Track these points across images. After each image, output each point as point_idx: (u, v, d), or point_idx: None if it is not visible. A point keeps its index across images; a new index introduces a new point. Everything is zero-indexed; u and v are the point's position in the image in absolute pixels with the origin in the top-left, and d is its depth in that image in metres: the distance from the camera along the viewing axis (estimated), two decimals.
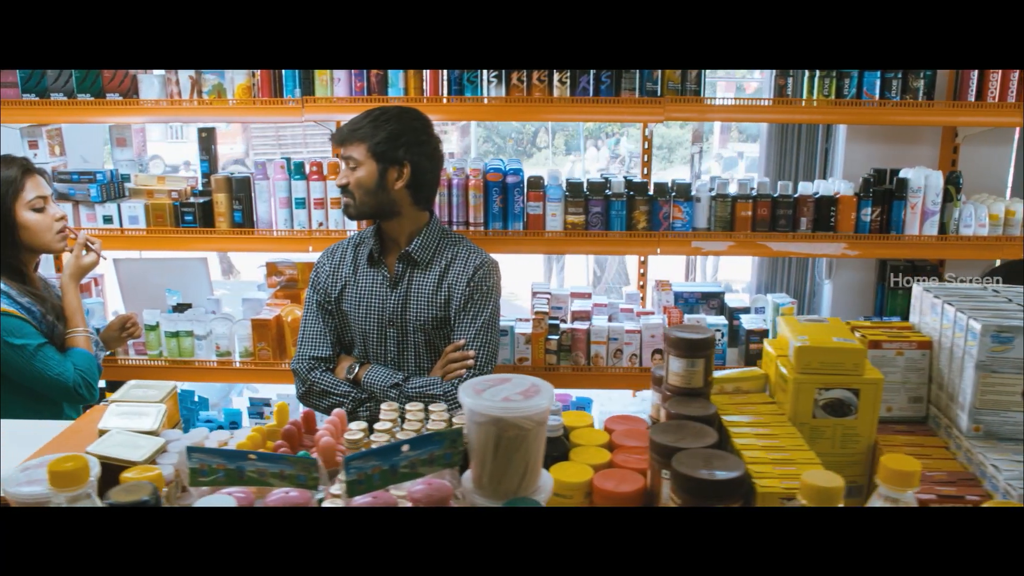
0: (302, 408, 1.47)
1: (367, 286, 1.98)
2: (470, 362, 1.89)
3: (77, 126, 2.85)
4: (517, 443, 0.87)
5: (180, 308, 2.68)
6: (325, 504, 0.98)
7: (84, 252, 2.04)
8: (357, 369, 1.95)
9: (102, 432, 1.17)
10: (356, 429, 1.22)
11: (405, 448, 0.88)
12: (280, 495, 0.90)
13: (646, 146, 2.71)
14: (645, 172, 2.73)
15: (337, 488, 0.99)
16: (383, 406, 1.28)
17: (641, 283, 2.86)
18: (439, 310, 1.93)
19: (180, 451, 1.15)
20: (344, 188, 1.94)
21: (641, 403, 2.90)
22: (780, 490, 0.99)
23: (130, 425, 1.18)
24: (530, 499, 0.88)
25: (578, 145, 14.65)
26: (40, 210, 1.90)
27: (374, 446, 0.98)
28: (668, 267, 7.16)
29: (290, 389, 2.89)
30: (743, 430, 1.14)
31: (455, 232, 2.04)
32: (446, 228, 2.03)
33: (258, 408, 2.91)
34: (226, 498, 0.84)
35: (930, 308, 1.29)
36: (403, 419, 1.24)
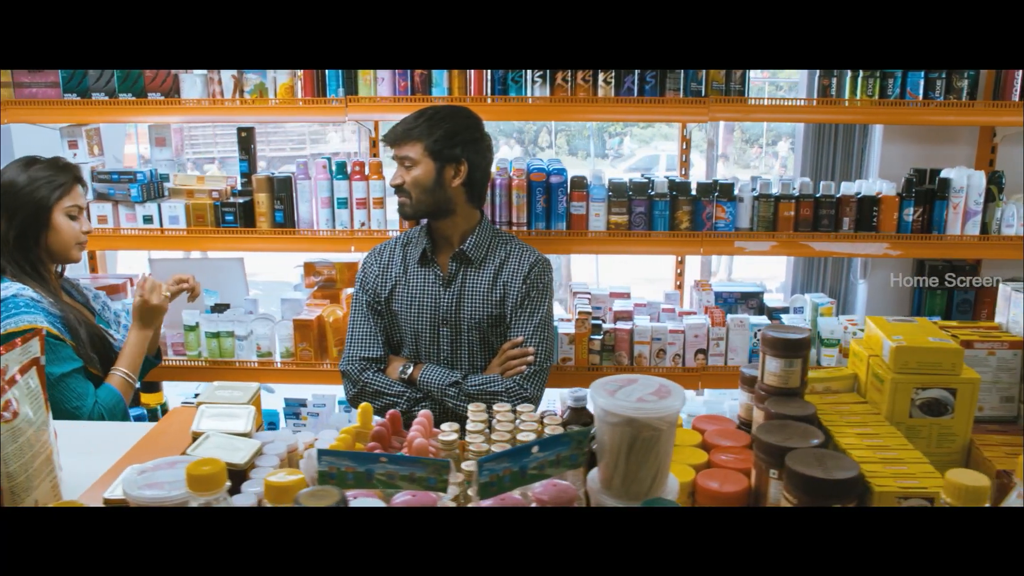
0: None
1: (419, 285, 1.98)
2: (530, 359, 1.91)
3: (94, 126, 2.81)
4: (651, 444, 0.86)
5: (218, 308, 2.66)
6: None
7: (166, 294, 1.96)
8: (411, 369, 1.95)
9: (196, 435, 1.16)
10: (449, 430, 1.21)
11: (535, 449, 0.87)
12: (405, 498, 0.90)
13: (684, 146, 2.71)
14: (684, 172, 2.73)
15: (453, 490, 0.99)
16: (471, 407, 1.28)
17: (678, 283, 2.86)
18: (494, 307, 1.94)
19: (280, 453, 1.15)
20: (399, 188, 1.95)
21: (691, 402, 2.89)
22: (896, 489, 0.99)
23: (224, 427, 1.17)
24: (666, 500, 0.87)
25: (583, 145, 14.68)
26: (73, 218, 1.87)
27: (503, 448, 0.98)
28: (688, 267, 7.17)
29: (325, 390, 2.89)
30: (845, 429, 1.14)
31: (504, 231, 2.06)
32: (496, 227, 2.05)
33: (294, 409, 2.90)
34: (373, 500, 0.83)
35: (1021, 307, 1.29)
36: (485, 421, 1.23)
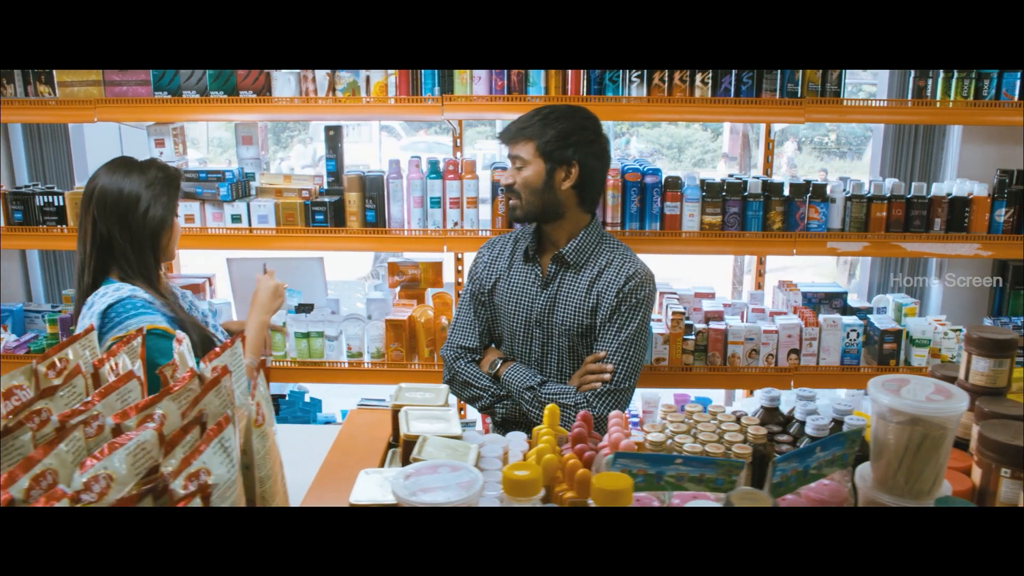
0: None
1: (519, 283, 1.96)
2: (606, 376, 1.84)
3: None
4: (938, 443, 0.86)
5: (303, 308, 2.64)
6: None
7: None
8: (499, 365, 1.94)
9: (408, 438, 1.15)
10: (655, 431, 1.21)
11: (818, 449, 0.87)
12: (683, 497, 0.89)
13: (771, 147, 2.72)
14: (768, 172, 2.73)
15: None
16: (660, 406, 1.27)
17: (759, 283, 2.86)
18: (586, 317, 1.89)
19: (498, 454, 1.14)
20: (510, 188, 1.93)
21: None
22: None
23: (437, 430, 1.16)
24: (957, 499, 0.87)
25: None
26: (175, 217, 1.85)
27: (792, 449, 0.97)
28: (707, 267, 7.20)
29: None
30: None
31: (615, 237, 2.00)
32: (606, 232, 1.99)
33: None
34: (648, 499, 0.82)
35: None
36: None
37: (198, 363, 1.06)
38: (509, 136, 1.92)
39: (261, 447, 0.97)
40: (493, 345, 2.04)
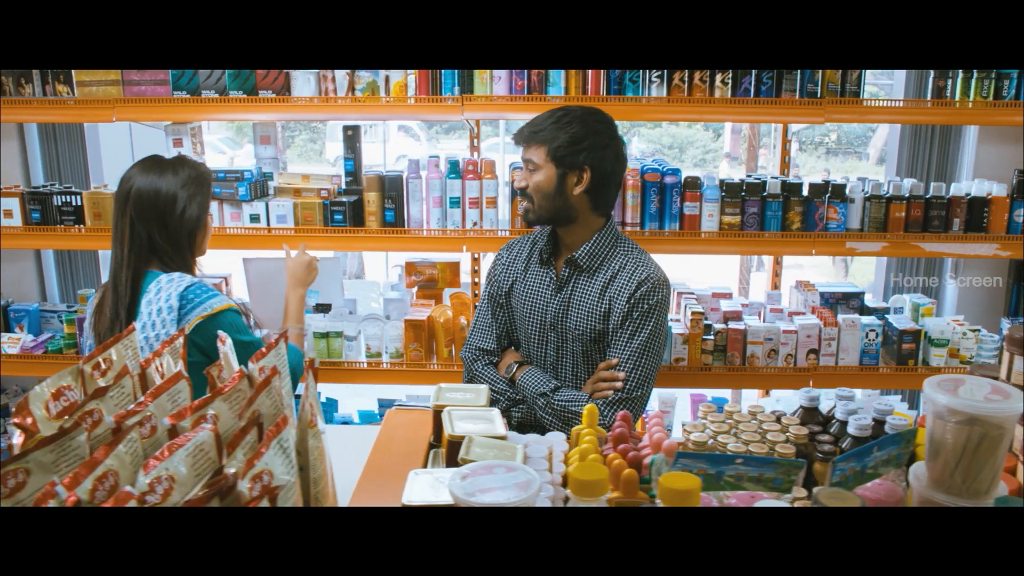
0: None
1: (534, 285, 1.96)
2: (618, 384, 1.82)
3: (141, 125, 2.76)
4: (997, 442, 0.86)
5: (321, 308, 2.64)
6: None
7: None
8: (516, 369, 1.94)
9: (454, 438, 1.15)
10: (696, 431, 1.21)
11: (875, 449, 0.87)
12: (740, 497, 0.89)
13: (787, 147, 2.72)
14: (786, 173, 2.73)
15: None
16: (700, 406, 1.27)
17: (775, 283, 2.86)
18: (598, 322, 1.87)
19: (544, 454, 1.13)
20: (523, 191, 1.91)
21: (776, 403, 2.90)
22: None
23: (481, 430, 1.16)
24: (1015, 499, 0.87)
25: None
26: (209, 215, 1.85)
27: (851, 449, 0.97)
28: (706, 267, 7.21)
29: (420, 390, 2.87)
30: None
31: (630, 239, 1.97)
32: (621, 235, 1.96)
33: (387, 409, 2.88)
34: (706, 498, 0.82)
35: None
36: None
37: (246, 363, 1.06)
38: (522, 139, 1.90)
39: (315, 448, 0.97)
40: (512, 348, 2.04)
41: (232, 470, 0.81)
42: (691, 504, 0.75)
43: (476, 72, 2.40)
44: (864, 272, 7.83)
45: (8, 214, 2.54)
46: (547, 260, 1.95)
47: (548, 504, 1.00)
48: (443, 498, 0.97)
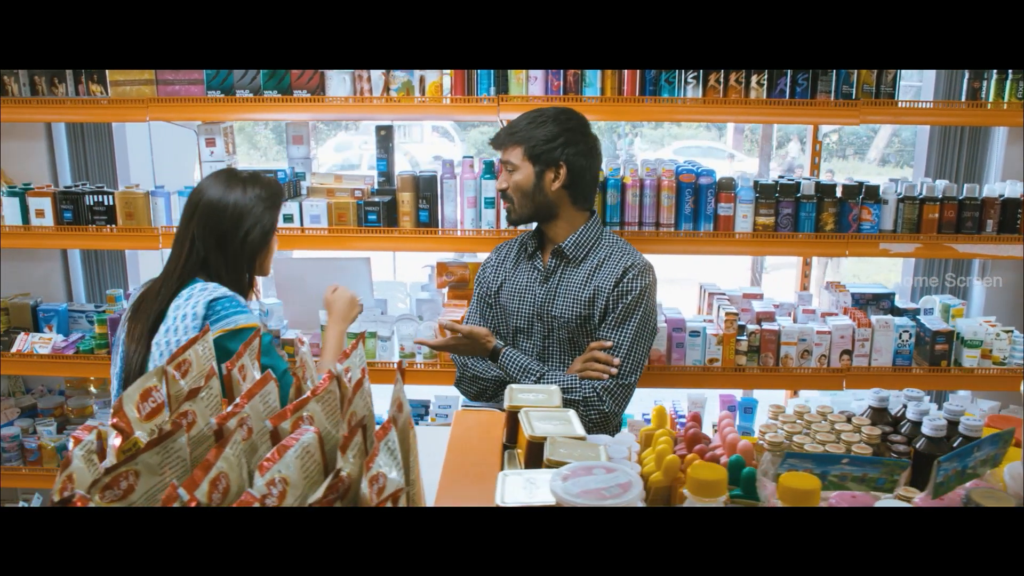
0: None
1: (523, 280, 2.03)
2: (613, 370, 1.87)
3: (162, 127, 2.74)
4: None
5: None
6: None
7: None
8: (500, 345, 1.99)
9: (534, 439, 1.15)
10: (771, 431, 1.21)
11: (976, 450, 0.87)
12: (840, 496, 0.89)
13: (817, 148, 2.72)
14: (815, 174, 2.74)
15: None
16: (769, 406, 1.27)
17: (805, 284, 2.87)
18: (583, 308, 1.94)
19: (624, 454, 1.13)
20: (504, 192, 2.00)
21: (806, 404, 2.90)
22: None
23: (560, 431, 1.16)
24: None
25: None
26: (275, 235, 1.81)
27: (905, 449, 0.97)
28: (718, 268, 7.22)
29: (448, 391, 2.87)
30: None
31: (614, 233, 2.06)
32: (606, 229, 2.05)
33: (417, 411, 2.88)
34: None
35: None
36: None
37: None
38: (500, 142, 1.99)
39: (412, 449, 0.97)
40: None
41: (345, 472, 0.81)
42: (811, 504, 0.76)
43: (512, 72, 2.40)
44: (864, 273, 7.83)
45: (40, 214, 2.53)
46: (533, 254, 2.04)
47: (639, 504, 1.00)
48: (539, 499, 0.97)
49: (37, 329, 2.73)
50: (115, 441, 0.93)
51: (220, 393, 1.05)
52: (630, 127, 15.75)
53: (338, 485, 0.77)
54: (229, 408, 0.95)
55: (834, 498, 0.91)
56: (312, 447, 0.87)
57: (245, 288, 1.76)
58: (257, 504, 0.75)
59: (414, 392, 2.97)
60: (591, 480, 0.92)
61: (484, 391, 2.02)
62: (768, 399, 3.06)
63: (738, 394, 2.84)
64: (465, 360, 2.03)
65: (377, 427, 0.86)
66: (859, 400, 2.79)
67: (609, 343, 1.89)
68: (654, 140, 14.87)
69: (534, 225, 2.06)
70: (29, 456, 2.76)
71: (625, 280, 1.91)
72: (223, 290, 1.69)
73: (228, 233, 1.67)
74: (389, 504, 0.76)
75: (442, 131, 12.43)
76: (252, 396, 0.99)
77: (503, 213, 2.46)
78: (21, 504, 3.02)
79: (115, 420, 0.94)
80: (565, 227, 1.99)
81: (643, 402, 2.94)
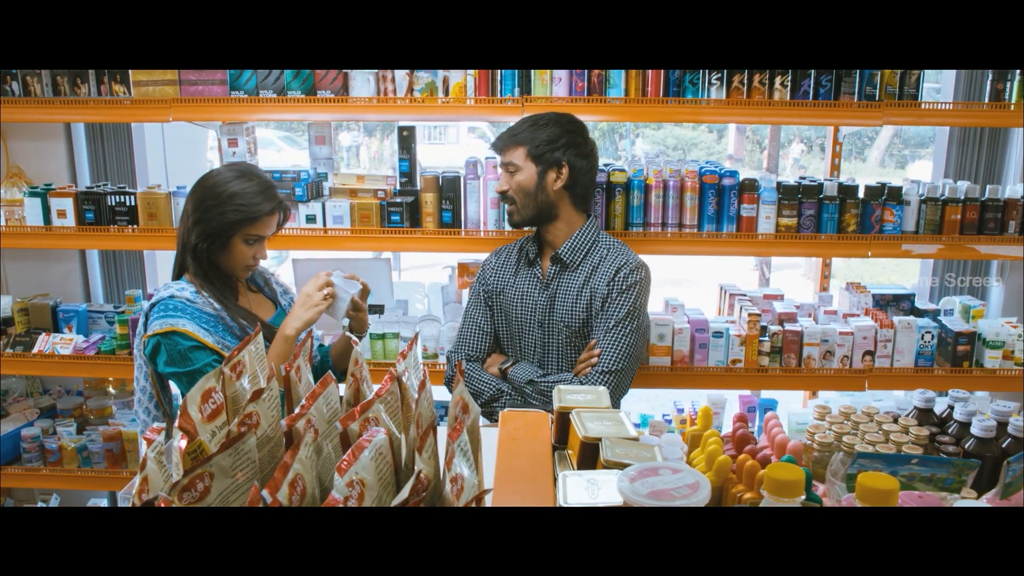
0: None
1: (523, 287, 2.07)
2: (594, 360, 1.93)
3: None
4: None
5: (372, 310, 2.63)
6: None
7: (324, 299, 1.75)
8: (507, 364, 2.03)
9: (588, 440, 1.15)
10: (819, 431, 1.21)
11: None
12: (908, 495, 0.89)
13: (837, 149, 2.73)
14: (835, 176, 2.74)
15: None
16: (815, 407, 1.28)
17: (824, 285, 2.87)
18: (582, 311, 1.98)
19: (679, 455, 1.13)
20: (504, 194, 2.04)
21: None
22: None
23: (612, 431, 1.16)
24: None
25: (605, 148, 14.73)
26: (250, 244, 1.79)
27: (955, 448, 0.98)
28: (728, 268, 7.24)
29: None
30: None
31: (611, 236, 2.09)
32: (603, 232, 2.09)
33: (440, 413, 2.88)
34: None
35: None
36: None
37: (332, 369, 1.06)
38: (502, 144, 2.04)
39: (478, 451, 0.97)
40: (496, 352, 2.12)
41: (424, 473, 0.81)
42: (890, 504, 0.76)
43: (536, 73, 2.40)
44: (868, 274, 7.85)
45: (61, 214, 2.53)
46: (533, 260, 2.07)
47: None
48: (602, 500, 0.97)
49: (57, 329, 2.72)
50: (180, 443, 0.93)
51: (279, 395, 1.05)
52: (632, 128, 15.79)
53: (419, 487, 0.77)
54: (296, 410, 0.95)
55: (902, 498, 0.92)
56: (384, 448, 0.87)
57: (209, 275, 1.77)
58: (341, 505, 0.75)
59: (439, 393, 2.97)
60: (658, 480, 0.92)
61: (480, 395, 2.04)
62: (787, 400, 3.07)
63: (756, 395, 2.84)
64: (464, 364, 2.06)
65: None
66: (878, 401, 2.80)
67: (594, 341, 1.94)
68: (656, 141, 14.89)
69: (534, 229, 2.09)
70: (49, 457, 2.75)
71: (618, 278, 1.96)
72: (174, 291, 1.74)
73: (200, 214, 1.74)
74: (474, 503, 0.76)
75: (479, 132, 12.41)
76: (316, 397, 0.99)
77: None
78: (52, 503, 3.01)
79: (181, 422, 0.94)
80: (564, 229, 2.03)
81: (663, 404, 2.95)
